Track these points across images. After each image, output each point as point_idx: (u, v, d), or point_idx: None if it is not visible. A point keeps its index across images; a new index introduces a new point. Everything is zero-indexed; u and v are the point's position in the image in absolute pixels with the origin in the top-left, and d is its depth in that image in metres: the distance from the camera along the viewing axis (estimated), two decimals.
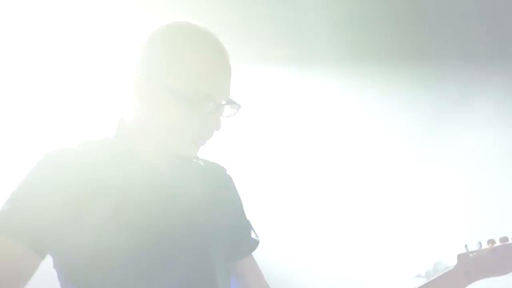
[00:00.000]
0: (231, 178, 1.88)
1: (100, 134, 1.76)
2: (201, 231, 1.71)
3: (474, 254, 1.86)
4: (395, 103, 4.70)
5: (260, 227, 1.96)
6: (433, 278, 1.81)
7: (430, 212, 4.97)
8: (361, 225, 4.88)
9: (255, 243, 1.88)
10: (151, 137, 1.70)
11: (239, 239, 1.84)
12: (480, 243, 1.86)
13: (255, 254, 1.92)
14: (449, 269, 1.83)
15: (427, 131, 4.81)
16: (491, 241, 1.84)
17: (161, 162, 1.72)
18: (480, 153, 4.81)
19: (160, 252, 1.64)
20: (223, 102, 1.69)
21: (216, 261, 1.71)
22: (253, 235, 1.88)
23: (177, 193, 1.72)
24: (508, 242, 1.83)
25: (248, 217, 1.89)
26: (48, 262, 1.67)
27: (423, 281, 4.87)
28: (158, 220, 1.66)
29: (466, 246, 1.87)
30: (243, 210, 1.88)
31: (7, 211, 1.61)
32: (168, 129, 1.68)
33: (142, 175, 1.69)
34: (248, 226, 1.88)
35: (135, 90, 1.69)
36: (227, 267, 1.78)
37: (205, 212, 1.73)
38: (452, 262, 4.85)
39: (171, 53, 1.66)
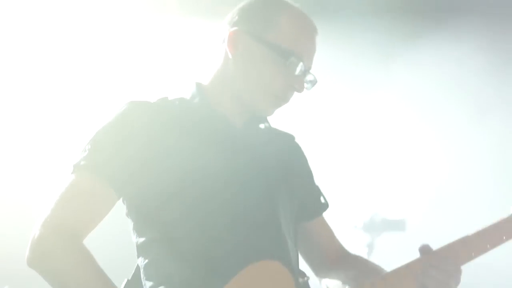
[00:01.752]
0: (299, 146, 2.00)
1: (177, 94, 1.88)
2: (268, 182, 1.80)
3: None
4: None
5: None
6: (492, 223, 1.78)
7: (367, 165, 4.95)
8: None
9: (325, 205, 2.00)
10: (233, 91, 1.83)
11: (309, 200, 1.96)
12: None
13: None
14: (504, 217, 1.79)
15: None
16: None
17: (235, 117, 1.85)
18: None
19: (227, 195, 1.74)
20: (309, 71, 1.84)
21: (281, 207, 1.80)
22: (322, 199, 2.00)
23: (248, 147, 1.83)
24: None
25: (316, 183, 2.01)
26: None
27: (360, 233, 4.83)
28: (227, 168, 1.77)
29: None
30: (312, 176, 2.00)
31: (91, 151, 1.73)
32: (255, 82, 1.81)
33: (216, 125, 1.81)
34: (317, 190, 2.01)
35: (229, 43, 1.82)
36: (296, 226, 1.87)
37: (273, 167, 1.84)
38: (389, 214, 4.81)
39: (274, 13, 1.81)
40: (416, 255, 1.79)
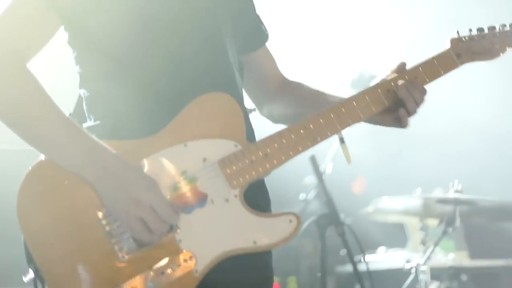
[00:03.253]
0: None
1: None
2: (216, 16, 1.78)
3: (466, 39, 1.94)
4: None
5: None
6: (425, 60, 1.91)
7: (357, 22, 4.94)
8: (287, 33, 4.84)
9: (266, 35, 2.00)
10: None
11: (252, 31, 1.95)
12: (470, 29, 1.95)
13: None
14: (441, 51, 1.92)
15: None
16: (480, 29, 1.95)
17: None
18: None
19: (177, 27, 1.72)
20: None
21: (228, 41, 1.79)
22: (263, 28, 1.99)
23: None
24: (495, 31, 1.95)
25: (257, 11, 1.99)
26: None
27: (348, 90, 4.93)
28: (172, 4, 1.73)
29: (458, 32, 1.95)
30: (253, 5, 1.97)
31: None
32: None
33: None
34: (258, 20, 1.99)
35: None
36: (240, 59, 1.87)
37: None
38: (377, 71, 4.87)
39: None
40: None
